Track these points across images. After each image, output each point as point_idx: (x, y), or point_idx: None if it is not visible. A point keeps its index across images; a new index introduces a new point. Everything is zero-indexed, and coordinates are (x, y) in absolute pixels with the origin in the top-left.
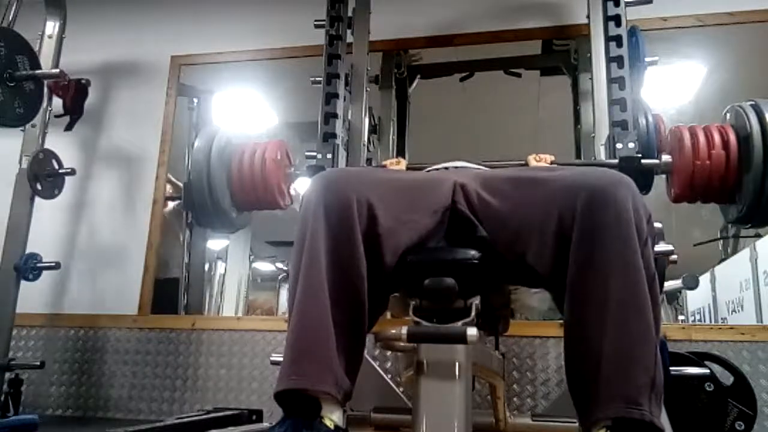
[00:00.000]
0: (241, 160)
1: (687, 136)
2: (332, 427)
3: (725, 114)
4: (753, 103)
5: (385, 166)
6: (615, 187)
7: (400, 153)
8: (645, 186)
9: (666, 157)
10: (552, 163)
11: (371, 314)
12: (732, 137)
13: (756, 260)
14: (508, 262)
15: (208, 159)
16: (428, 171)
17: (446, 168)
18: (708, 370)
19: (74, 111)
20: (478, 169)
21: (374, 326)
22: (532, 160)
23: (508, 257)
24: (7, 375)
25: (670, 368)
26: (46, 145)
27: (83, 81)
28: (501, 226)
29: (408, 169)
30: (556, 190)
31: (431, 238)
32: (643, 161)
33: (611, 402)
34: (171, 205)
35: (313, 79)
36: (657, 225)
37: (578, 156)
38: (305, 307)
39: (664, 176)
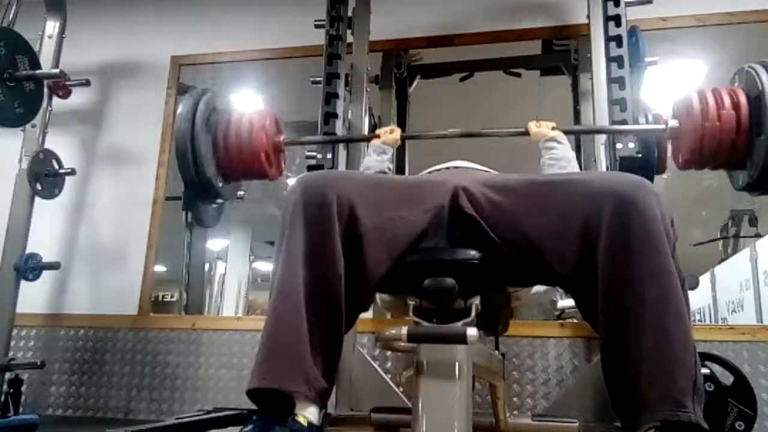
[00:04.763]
0: (228, 127)
1: (695, 98)
2: (306, 424)
3: (734, 77)
4: (764, 61)
5: (378, 136)
6: (642, 193)
7: (400, 152)
8: None
9: (673, 122)
10: (552, 129)
11: (350, 313)
12: (742, 98)
13: (756, 260)
14: (519, 261)
15: (192, 124)
16: (429, 172)
17: (447, 168)
18: (708, 370)
19: None
20: (478, 169)
21: (354, 324)
22: (533, 126)
23: (521, 256)
24: (7, 375)
25: None
26: (46, 145)
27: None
28: (513, 226)
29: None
30: (577, 194)
31: (425, 237)
32: (648, 127)
33: (658, 405)
34: None
35: (313, 79)
36: None
37: (578, 156)
38: (278, 307)
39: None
